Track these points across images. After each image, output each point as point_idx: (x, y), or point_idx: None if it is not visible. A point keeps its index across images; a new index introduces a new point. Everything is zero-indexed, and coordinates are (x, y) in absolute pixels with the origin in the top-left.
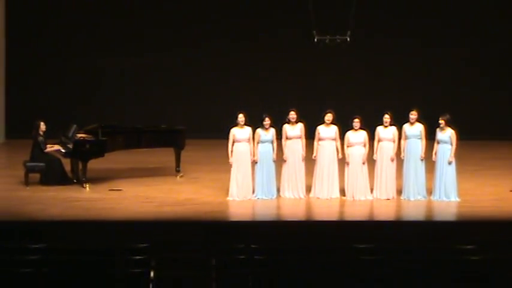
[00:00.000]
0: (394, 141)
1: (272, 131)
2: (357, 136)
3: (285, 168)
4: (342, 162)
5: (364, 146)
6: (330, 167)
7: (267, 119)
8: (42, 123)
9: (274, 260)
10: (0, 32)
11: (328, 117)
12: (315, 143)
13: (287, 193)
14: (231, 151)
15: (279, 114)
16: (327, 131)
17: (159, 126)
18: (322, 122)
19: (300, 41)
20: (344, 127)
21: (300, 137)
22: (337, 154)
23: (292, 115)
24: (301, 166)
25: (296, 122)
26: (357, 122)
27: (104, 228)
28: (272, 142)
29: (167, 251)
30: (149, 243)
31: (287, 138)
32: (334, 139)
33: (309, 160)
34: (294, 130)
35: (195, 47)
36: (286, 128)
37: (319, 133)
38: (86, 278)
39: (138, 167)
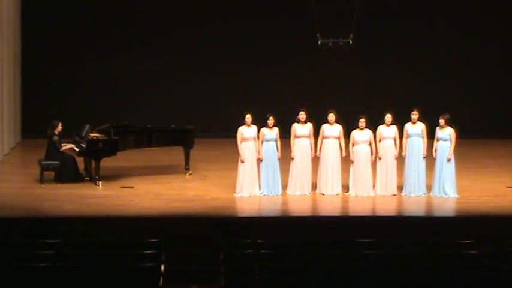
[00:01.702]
0: (395, 140)
1: (276, 129)
2: (362, 135)
3: (293, 166)
4: (345, 159)
5: (370, 144)
6: (334, 164)
7: (271, 118)
8: (59, 124)
9: (279, 254)
10: (15, 34)
11: (331, 116)
12: (319, 140)
13: (294, 190)
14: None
15: (283, 115)
16: (331, 129)
17: (169, 126)
18: (326, 121)
19: (305, 44)
20: (349, 126)
21: (308, 136)
22: (341, 152)
23: (302, 115)
24: (308, 164)
25: (305, 122)
26: (362, 122)
27: (116, 224)
28: (276, 141)
29: (177, 246)
30: (160, 238)
31: (296, 136)
32: (338, 137)
33: (313, 157)
34: (303, 129)
35: (204, 48)
36: (296, 127)
37: (323, 131)
38: (99, 272)
39: (148, 165)
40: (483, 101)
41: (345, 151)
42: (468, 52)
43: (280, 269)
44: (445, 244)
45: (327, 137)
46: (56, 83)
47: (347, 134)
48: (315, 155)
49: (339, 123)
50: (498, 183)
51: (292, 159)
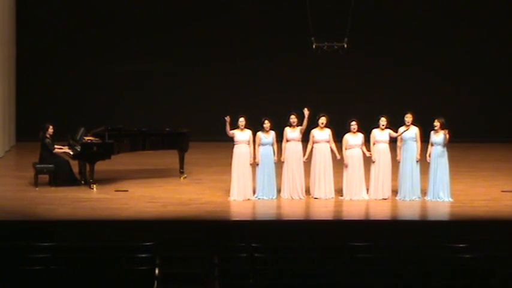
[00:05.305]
0: (389, 144)
1: (272, 133)
2: (356, 138)
3: (285, 169)
4: (339, 163)
5: (361, 147)
6: (326, 168)
7: (266, 122)
8: (50, 127)
9: (274, 258)
10: (10, 37)
11: (322, 120)
12: (309, 146)
13: (287, 194)
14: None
15: (277, 119)
16: (321, 134)
17: (164, 129)
18: (316, 125)
19: (299, 48)
20: (341, 130)
21: (299, 140)
22: (335, 155)
23: (293, 119)
24: (300, 167)
25: (296, 126)
26: (354, 125)
27: (111, 227)
28: (272, 144)
29: (171, 249)
30: (154, 242)
31: (287, 140)
32: (328, 141)
33: (305, 162)
34: (294, 133)
35: (199, 52)
36: (287, 130)
37: (313, 136)
38: (94, 275)
39: (143, 168)
40: (477, 105)
41: (339, 154)
42: (463, 55)
43: (275, 273)
44: (439, 248)
45: (317, 142)
46: (50, 86)
47: (339, 138)
48: (305, 160)
49: (328, 127)
50: (492, 187)
51: (283, 162)
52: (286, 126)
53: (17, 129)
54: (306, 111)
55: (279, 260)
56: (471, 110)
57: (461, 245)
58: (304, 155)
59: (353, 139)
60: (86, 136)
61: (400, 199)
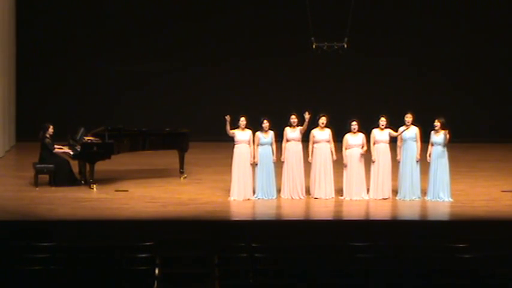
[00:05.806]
0: (389, 143)
1: (271, 133)
2: (356, 138)
3: (285, 169)
4: (339, 163)
5: (362, 147)
6: (326, 168)
7: (265, 121)
8: (50, 127)
9: (274, 258)
10: (10, 37)
11: (323, 120)
12: (310, 146)
13: (287, 194)
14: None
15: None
16: (322, 134)
17: (164, 130)
18: (316, 125)
19: (299, 48)
20: (341, 130)
21: (299, 140)
22: (332, 156)
23: (293, 119)
24: (300, 167)
25: (296, 126)
26: (355, 125)
27: (111, 227)
28: (271, 144)
29: (171, 249)
30: (154, 242)
31: (287, 140)
32: (329, 141)
33: (305, 162)
34: (294, 133)
35: (199, 52)
36: (287, 130)
37: (314, 136)
38: (93, 275)
39: (143, 168)
40: (477, 105)
41: (336, 154)
42: (463, 55)
43: (275, 273)
44: (439, 248)
45: (318, 142)
46: (50, 86)
47: (339, 138)
48: (308, 160)
49: (328, 127)
50: (492, 187)
51: (283, 162)
52: (286, 126)
53: (17, 129)
54: (307, 115)
55: (279, 260)
56: (471, 110)
57: (461, 245)
58: (304, 155)
59: (353, 139)
60: (86, 136)
61: (400, 199)
